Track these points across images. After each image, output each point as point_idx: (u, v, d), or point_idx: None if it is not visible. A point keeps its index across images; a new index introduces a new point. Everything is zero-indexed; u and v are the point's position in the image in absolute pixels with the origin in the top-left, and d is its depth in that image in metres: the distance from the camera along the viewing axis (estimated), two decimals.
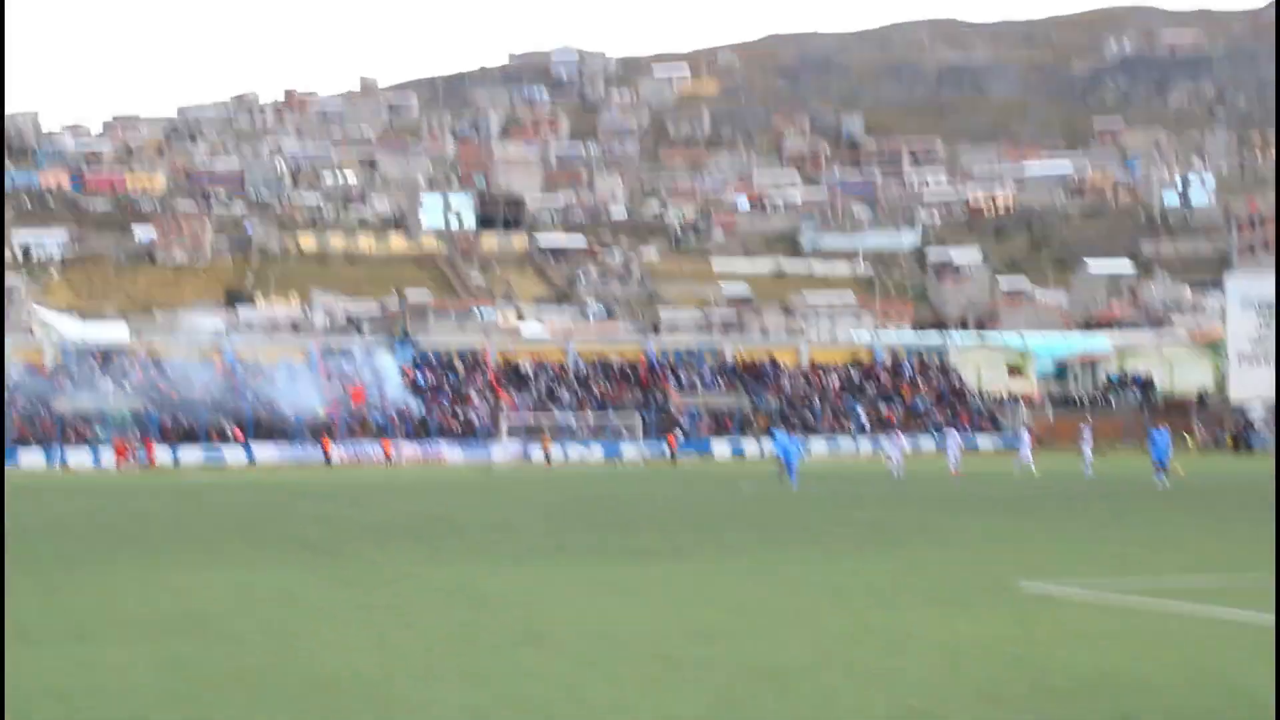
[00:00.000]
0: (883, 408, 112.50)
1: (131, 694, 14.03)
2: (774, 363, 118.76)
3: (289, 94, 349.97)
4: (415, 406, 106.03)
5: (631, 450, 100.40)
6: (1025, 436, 72.48)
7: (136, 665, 15.42)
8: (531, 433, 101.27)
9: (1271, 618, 17.19)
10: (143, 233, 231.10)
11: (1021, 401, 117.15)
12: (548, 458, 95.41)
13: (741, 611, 19.23)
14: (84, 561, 27.69)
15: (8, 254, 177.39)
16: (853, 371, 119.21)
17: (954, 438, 72.75)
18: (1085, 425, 72.60)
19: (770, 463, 61.32)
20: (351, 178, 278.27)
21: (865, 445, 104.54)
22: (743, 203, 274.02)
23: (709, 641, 16.58)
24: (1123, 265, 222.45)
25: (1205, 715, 12.89)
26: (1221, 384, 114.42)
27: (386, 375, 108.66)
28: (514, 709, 13.30)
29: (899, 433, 76.28)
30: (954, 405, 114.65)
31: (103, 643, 17.14)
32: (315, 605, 20.57)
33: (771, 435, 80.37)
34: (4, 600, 19.13)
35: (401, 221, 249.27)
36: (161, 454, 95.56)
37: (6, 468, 78.80)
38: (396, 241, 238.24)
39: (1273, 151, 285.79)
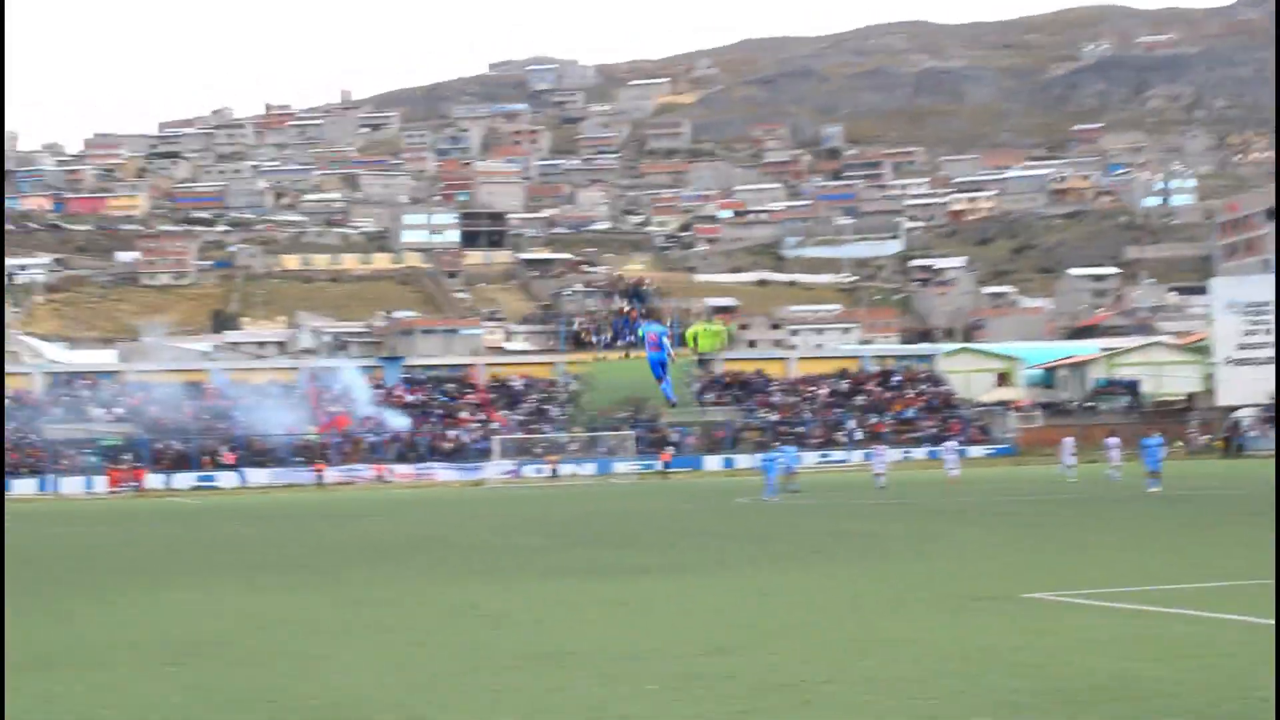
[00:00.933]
0: (873, 419, 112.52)
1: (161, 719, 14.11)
2: (763, 375, 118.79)
3: (268, 109, 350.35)
4: (403, 426, 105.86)
5: (624, 466, 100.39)
6: (1068, 445, 71.61)
7: (160, 691, 15.43)
8: (523, 451, 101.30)
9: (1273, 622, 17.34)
10: (126, 256, 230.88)
11: (1011, 409, 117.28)
12: (555, 474, 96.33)
13: (753, 625, 19.29)
14: (89, 588, 27.69)
15: None
16: (842, 383, 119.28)
17: (952, 447, 73.19)
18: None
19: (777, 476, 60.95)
20: (333, 196, 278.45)
21: (858, 456, 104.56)
22: (725, 214, 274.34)
23: (726, 655, 16.64)
24: (1106, 270, 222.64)
25: (1230, 718, 12.90)
26: (1209, 388, 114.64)
27: (359, 396, 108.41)
28: None
29: (882, 445, 76.57)
30: (944, 415, 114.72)
31: (122, 670, 17.12)
32: (326, 627, 20.55)
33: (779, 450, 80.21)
34: (4, 624, 19.15)
35: (385, 240, 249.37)
36: (153, 479, 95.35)
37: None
38: (380, 260, 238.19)
39: (1253, 152, 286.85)
